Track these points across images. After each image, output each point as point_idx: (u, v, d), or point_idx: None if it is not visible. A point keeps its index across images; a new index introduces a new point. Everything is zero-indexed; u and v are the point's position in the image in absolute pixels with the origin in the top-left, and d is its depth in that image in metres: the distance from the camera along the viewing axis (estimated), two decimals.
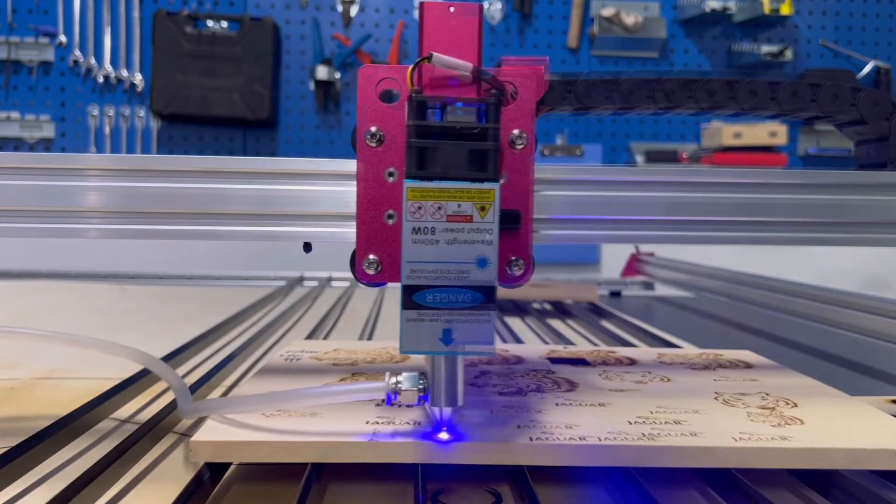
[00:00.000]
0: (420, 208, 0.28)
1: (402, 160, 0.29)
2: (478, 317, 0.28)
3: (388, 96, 0.30)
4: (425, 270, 0.28)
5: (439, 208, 0.28)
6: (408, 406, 0.33)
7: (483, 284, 0.28)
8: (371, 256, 0.30)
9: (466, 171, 0.28)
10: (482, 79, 0.29)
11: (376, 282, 0.30)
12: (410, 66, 0.29)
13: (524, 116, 0.30)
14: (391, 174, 0.30)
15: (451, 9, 0.29)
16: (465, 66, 0.29)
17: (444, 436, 0.30)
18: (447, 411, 0.30)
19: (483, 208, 0.28)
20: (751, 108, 0.37)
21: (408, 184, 0.28)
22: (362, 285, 0.31)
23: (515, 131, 0.30)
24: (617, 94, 0.36)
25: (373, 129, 0.30)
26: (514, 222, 0.30)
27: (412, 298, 0.28)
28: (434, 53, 0.28)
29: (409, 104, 0.28)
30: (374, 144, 0.30)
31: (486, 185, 0.28)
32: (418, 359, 0.45)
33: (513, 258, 0.30)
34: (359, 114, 0.30)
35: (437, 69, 0.29)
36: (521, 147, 0.30)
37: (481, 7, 0.30)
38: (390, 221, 0.30)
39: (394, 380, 0.30)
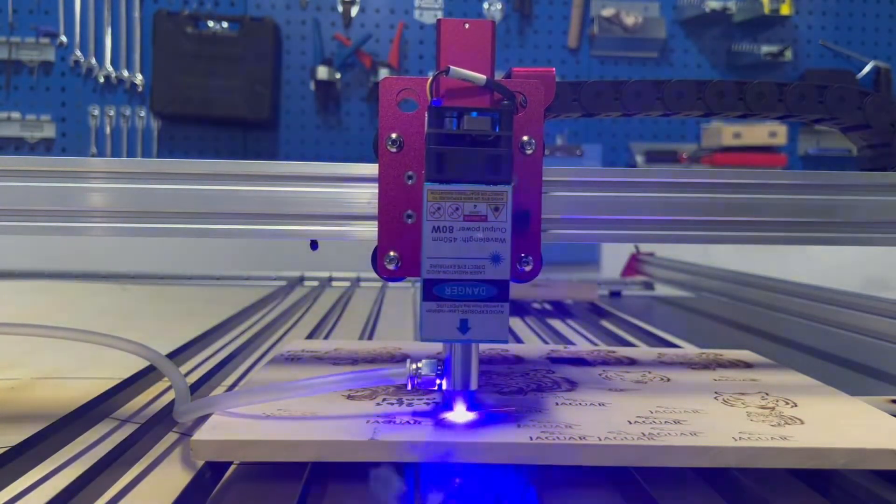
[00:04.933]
0: (439, 209, 0.30)
1: (420, 164, 0.32)
2: (492, 309, 0.30)
3: (407, 105, 0.32)
4: (444, 266, 0.30)
5: (457, 209, 0.30)
6: (415, 396, 0.34)
7: (497, 279, 0.30)
8: (391, 253, 0.32)
9: (482, 174, 0.30)
10: (494, 89, 0.31)
11: (396, 276, 0.32)
12: (430, 78, 0.32)
13: (533, 123, 0.32)
14: (410, 177, 0.32)
15: (466, 25, 0.32)
16: (479, 77, 0.31)
17: (458, 415, 0.32)
18: (461, 395, 0.32)
19: (497, 208, 0.30)
20: (758, 111, 0.37)
21: (428, 186, 0.30)
22: (385, 280, 0.34)
23: (525, 137, 0.32)
24: (622, 98, 0.37)
25: (393, 135, 0.32)
26: (524, 222, 0.32)
27: (432, 291, 0.30)
28: (451, 66, 0.31)
29: (429, 113, 0.30)
30: (394, 150, 0.32)
31: (499, 188, 0.30)
32: (419, 356, 0.45)
33: (522, 255, 0.32)
34: (380, 121, 0.32)
35: (454, 80, 0.31)
36: (530, 152, 0.32)
37: (493, 23, 0.33)
38: (409, 221, 0.32)
39: (414, 365, 0.33)
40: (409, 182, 0.32)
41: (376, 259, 0.32)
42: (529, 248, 0.32)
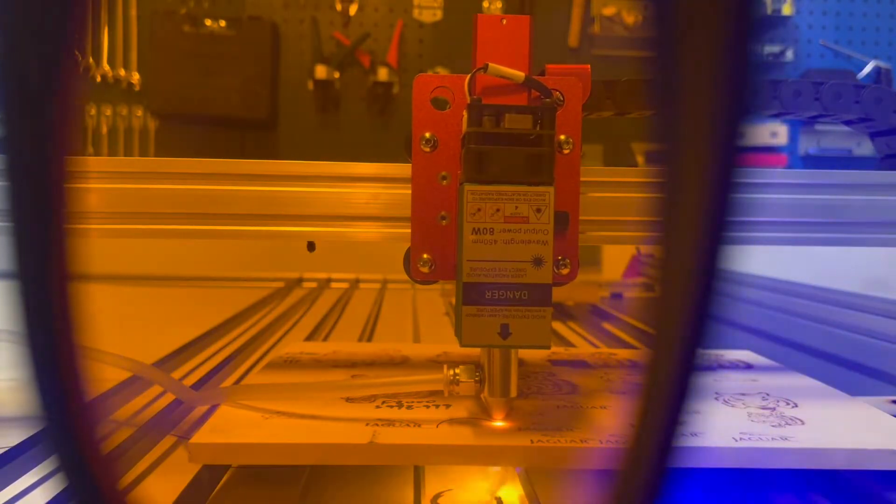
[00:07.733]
0: (479, 210, 0.29)
1: (454, 164, 0.31)
2: (534, 314, 0.29)
3: (439, 103, 0.31)
4: (484, 269, 0.29)
5: (498, 210, 0.29)
6: (414, 399, 0.34)
7: (538, 282, 0.29)
8: (425, 256, 0.31)
9: (524, 174, 0.29)
10: (532, 86, 0.30)
11: (429, 280, 0.31)
12: (467, 76, 0.30)
13: (570, 121, 0.31)
14: (444, 177, 0.31)
15: (503, 21, 0.31)
16: (517, 75, 0.30)
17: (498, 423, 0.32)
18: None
19: (539, 210, 0.29)
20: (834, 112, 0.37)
21: (468, 187, 0.29)
22: (417, 283, 0.32)
23: (562, 136, 0.31)
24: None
25: (427, 134, 0.31)
26: (564, 223, 0.31)
27: (472, 295, 0.29)
28: (489, 63, 0.30)
29: (468, 111, 0.29)
30: (427, 149, 0.31)
31: (542, 188, 0.29)
32: (419, 358, 0.45)
33: (560, 258, 0.31)
34: (414, 120, 0.31)
35: (489, 78, 0.30)
36: (567, 151, 0.31)
37: (531, 19, 0.32)
38: (443, 222, 0.31)
39: (452, 372, 0.32)
40: (444, 183, 0.31)
41: (409, 262, 0.31)
42: (567, 251, 0.31)
